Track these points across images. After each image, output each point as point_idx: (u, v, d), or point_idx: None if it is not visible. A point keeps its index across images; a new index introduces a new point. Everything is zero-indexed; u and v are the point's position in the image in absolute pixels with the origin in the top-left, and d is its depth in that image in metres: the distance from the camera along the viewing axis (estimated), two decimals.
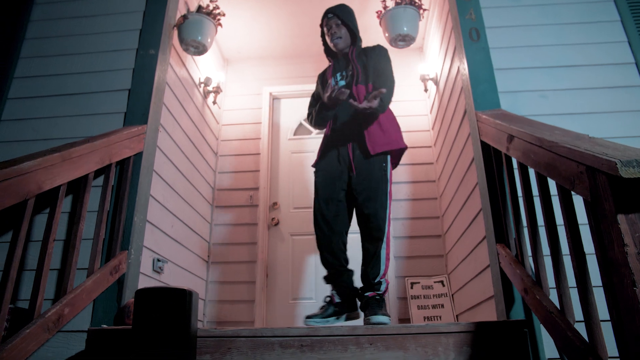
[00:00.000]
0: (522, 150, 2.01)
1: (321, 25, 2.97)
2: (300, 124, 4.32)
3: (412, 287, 3.47)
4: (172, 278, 3.06)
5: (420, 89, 4.08)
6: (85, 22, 3.17)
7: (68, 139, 2.81)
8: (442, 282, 3.45)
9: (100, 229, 2.41)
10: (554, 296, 1.86)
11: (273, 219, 3.93)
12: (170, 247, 3.09)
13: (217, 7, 3.22)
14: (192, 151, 3.52)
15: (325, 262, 2.62)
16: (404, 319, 3.43)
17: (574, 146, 1.57)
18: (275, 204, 3.99)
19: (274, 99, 4.40)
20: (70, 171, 2.16)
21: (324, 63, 4.07)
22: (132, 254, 2.55)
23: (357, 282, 2.64)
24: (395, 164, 2.81)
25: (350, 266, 2.68)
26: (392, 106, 4.05)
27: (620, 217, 1.33)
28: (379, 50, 2.84)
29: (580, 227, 1.64)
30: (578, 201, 1.59)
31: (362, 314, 2.56)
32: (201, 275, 3.62)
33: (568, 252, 1.70)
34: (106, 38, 3.10)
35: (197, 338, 2.00)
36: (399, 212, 3.79)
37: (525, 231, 2.16)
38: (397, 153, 2.79)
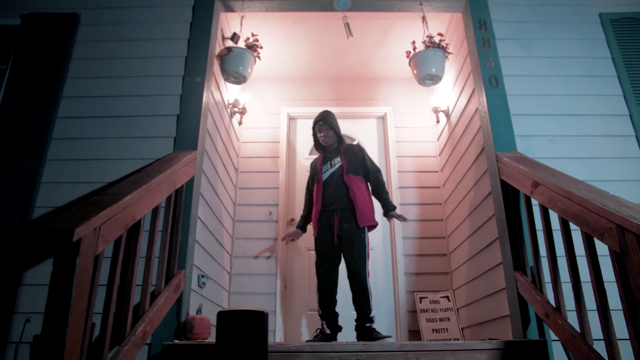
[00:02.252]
0: (547, 197, 2.36)
1: (313, 128, 3.74)
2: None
3: (420, 302, 3.82)
4: (208, 291, 3.29)
5: (428, 117, 4.44)
6: (130, 46, 3.34)
7: (118, 160, 3.02)
8: (447, 297, 3.82)
9: (165, 250, 2.62)
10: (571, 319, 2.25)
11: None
12: (208, 262, 3.31)
13: (256, 41, 3.45)
14: (222, 170, 3.74)
15: (322, 303, 3.36)
16: (414, 330, 3.79)
17: (603, 205, 1.93)
18: (292, 220, 4.25)
19: (291, 119, 4.65)
20: (150, 201, 2.36)
21: (339, 87, 4.43)
22: (187, 273, 2.78)
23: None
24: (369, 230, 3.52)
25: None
26: (402, 132, 4.41)
27: None
28: (364, 152, 3.67)
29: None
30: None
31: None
32: (225, 286, 3.85)
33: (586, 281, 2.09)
34: (152, 63, 3.28)
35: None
36: (408, 231, 4.14)
37: (544, 262, 2.54)
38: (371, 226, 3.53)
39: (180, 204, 2.83)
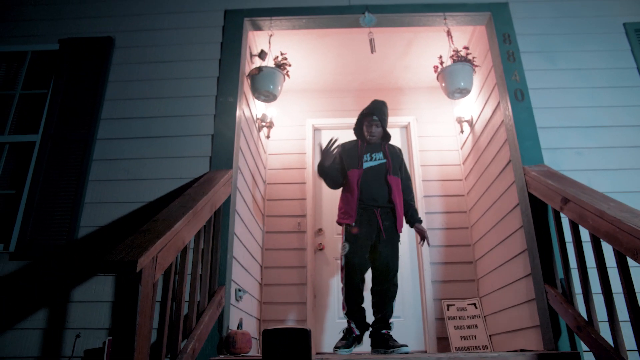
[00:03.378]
0: (578, 213, 2.43)
1: (362, 115, 3.52)
2: None
3: (448, 309, 3.91)
4: (245, 304, 3.40)
5: (451, 126, 4.52)
6: (163, 67, 3.45)
7: (155, 180, 3.14)
8: (474, 304, 3.90)
9: (207, 268, 2.74)
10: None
11: (320, 244, 4.30)
12: (243, 275, 3.42)
13: (285, 59, 3.54)
14: (252, 184, 3.85)
15: (350, 299, 3.18)
16: (442, 338, 3.87)
17: (636, 226, 1.99)
18: (320, 230, 4.35)
19: (315, 130, 4.75)
20: (197, 224, 2.47)
21: (362, 98, 4.51)
22: (226, 288, 2.89)
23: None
24: None
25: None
26: (425, 141, 4.49)
27: None
28: (402, 154, 3.58)
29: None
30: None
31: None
32: (257, 296, 3.97)
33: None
34: (185, 84, 3.39)
35: None
36: (435, 240, 4.21)
37: (574, 274, 2.61)
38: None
39: (218, 222, 2.95)
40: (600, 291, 2.28)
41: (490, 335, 3.73)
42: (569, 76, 3.37)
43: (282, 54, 3.58)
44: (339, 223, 3.40)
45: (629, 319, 2.07)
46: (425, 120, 4.66)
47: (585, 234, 2.41)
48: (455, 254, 4.19)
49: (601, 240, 2.28)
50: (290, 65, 3.59)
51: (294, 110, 4.77)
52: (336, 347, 3.09)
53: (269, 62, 3.67)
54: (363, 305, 3.22)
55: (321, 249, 4.29)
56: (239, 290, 3.21)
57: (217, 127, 3.23)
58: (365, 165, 3.37)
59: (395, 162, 3.44)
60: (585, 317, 2.45)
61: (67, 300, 2.86)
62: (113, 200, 3.10)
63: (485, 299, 3.87)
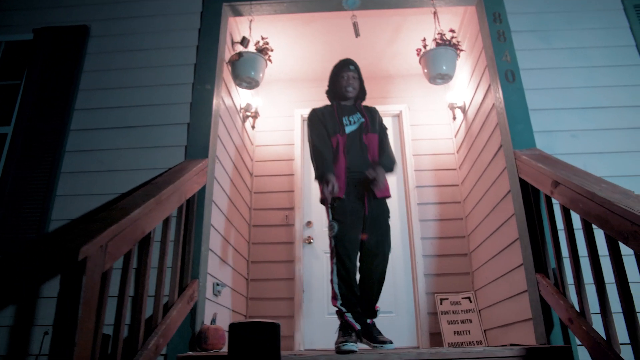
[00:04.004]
0: (569, 197, 2.26)
1: (337, 69, 3.22)
2: None
3: (441, 303, 3.74)
4: (225, 299, 3.27)
5: (444, 114, 4.33)
6: (139, 56, 3.33)
7: (131, 171, 3.02)
8: (469, 298, 3.73)
9: (177, 261, 2.61)
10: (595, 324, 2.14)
11: (308, 237, 4.15)
12: (223, 269, 3.30)
13: (267, 44, 3.41)
14: (235, 175, 3.72)
15: (345, 289, 2.75)
16: (435, 333, 3.71)
17: (627, 207, 1.82)
18: (309, 222, 4.21)
19: (304, 120, 4.60)
20: (161, 213, 2.34)
21: None
22: (200, 282, 2.76)
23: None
24: None
25: None
26: (418, 130, 4.32)
27: None
28: (378, 113, 3.23)
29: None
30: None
31: None
32: (243, 292, 3.84)
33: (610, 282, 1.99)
34: (162, 72, 3.27)
35: None
36: (428, 231, 4.05)
37: (566, 263, 2.44)
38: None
39: (192, 213, 2.82)
40: (594, 282, 2.12)
41: (485, 330, 3.56)
42: (564, 55, 3.19)
43: (263, 38, 3.44)
44: (323, 201, 2.95)
45: (620, 310, 1.92)
46: (418, 108, 4.49)
47: (577, 221, 2.24)
48: (449, 246, 4.02)
49: (593, 226, 2.11)
50: (272, 50, 3.46)
51: (282, 100, 4.63)
52: (341, 343, 2.55)
53: (252, 48, 3.53)
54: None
55: (310, 243, 4.14)
56: (217, 285, 3.08)
57: (194, 115, 3.11)
58: (348, 129, 3.03)
59: (372, 119, 3.11)
60: (578, 309, 2.29)
61: (36, 296, 2.75)
62: (86, 192, 2.99)
63: (480, 292, 3.70)
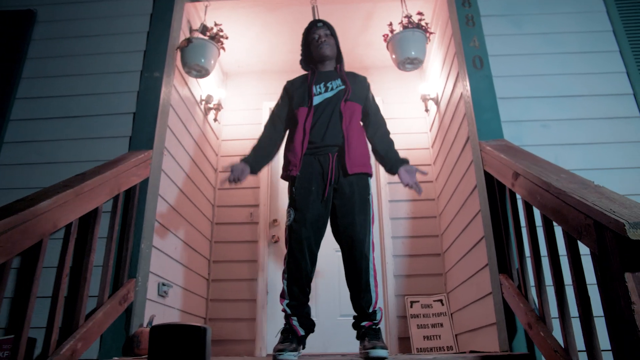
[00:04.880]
0: (527, 189, 2.05)
1: (306, 32, 2.85)
2: None
3: (411, 306, 3.52)
4: (175, 300, 3.08)
5: (420, 107, 4.11)
6: (88, 42, 3.16)
7: (73, 163, 2.84)
8: (441, 301, 3.51)
9: (109, 258, 2.42)
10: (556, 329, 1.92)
11: (273, 236, 3.95)
12: (174, 269, 3.11)
13: (220, 30, 3.22)
14: (194, 170, 3.53)
15: (293, 288, 2.41)
16: (404, 338, 3.49)
17: (581, 197, 1.61)
18: (275, 220, 4.00)
19: None
20: (82, 206, 2.16)
21: None
22: (139, 282, 2.57)
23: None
24: None
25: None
26: (392, 123, 4.10)
27: (628, 276, 1.38)
28: (368, 83, 2.79)
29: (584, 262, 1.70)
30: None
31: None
32: (202, 293, 3.64)
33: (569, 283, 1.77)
34: (110, 59, 3.09)
35: None
36: (399, 230, 3.83)
37: (528, 262, 2.22)
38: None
39: (132, 207, 2.63)
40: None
41: (456, 335, 3.34)
42: (537, 41, 2.97)
43: (216, 24, 3.25)
44: (284, 179, 2.64)
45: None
46: (392, 101, 4.26)
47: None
48: (421, 246, 3.80)
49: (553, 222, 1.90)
50: (227, 38, 3.26)
51: (250, 93, 4.42)
52: (277, 351, 2.21)
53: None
54: (310, 295, 2.46)
55: (276, 242, 3.93)
56: (164, 285, 2.89)
57: (140, 105, 2.92)
58: (318, 98, 2.60)
59: (357, 89, 2.67)
60: (539, 313, 2.07)
61: None
62: (24, 185, 2.80)
63: (452, 295, 3.48)
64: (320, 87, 2.64)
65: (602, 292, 1.52)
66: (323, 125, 2.53)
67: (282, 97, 2.78)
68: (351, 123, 2.55)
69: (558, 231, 1.88)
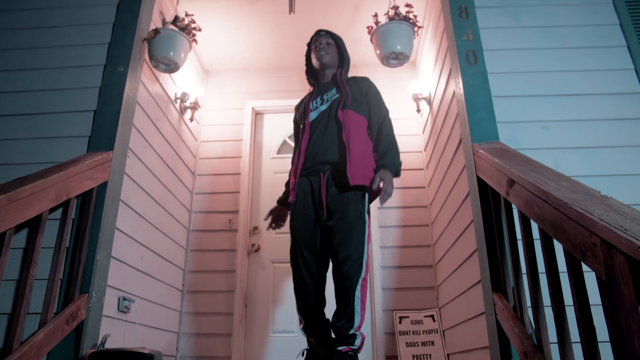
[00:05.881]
0: (524, 199, 1.80)
1: (309, 44, 2.77)
2: (285, 142, 4.06)
3: (400, 322, 3.26)
4: (141, 315, 2.82)
5: (413, 107, 3.85)
6: (48, 34, 2.91)
7: (26, 165, 2.60)
8: (432, 316, 3.24)
9: (56, 272, 2.16)
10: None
11: (253, 244, 3.68)
12: (139, 281, 2.85)
13: (193, 22, 2.97)
14: (166, 173, 3.27)
15: (303, 309, 2.37)
16: (392, 356, 3.21)
17: (585, 210, 1.35)
18: (255, 228, 3.74)
19: (257, 114, 4.15)
20: (18, 213, 1.90)
21: None
22: (93, 297, 2.31)
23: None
24: (370, 201, 2.56)
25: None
26: None
27: None
28: (372, 86, 2.64)
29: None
30: None
31: None
32: (174, 306, 3.37)
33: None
34: (71, 52, 2.84)
35: None
36: (388, 239, 3.57)
37: (524, 279, 1.96)
38: (372, 191, 2.48)
39: (87, 214, 2.37)
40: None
41: (448, 355, 3.07)
42: (536, 35, 2.71)
43: (187, 14, 3.00)
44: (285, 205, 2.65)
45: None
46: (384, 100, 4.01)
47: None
48: (412, 256, 3.53)
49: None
50: (199, 30, 3.01)
51: (233, 91, 4.16)
52: None
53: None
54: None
55: (256, 251, 3.67)
56: (125, 299, 2.63)
57: (101, 102, 2.67)
58: (314, 114, 2.51)
59: (356, 92, 2.52)
60: (535, 339, 1.81)
61: None
62: None
63: (444, 310, 3.21)
64: (316, 102, 2.56)
65: (610, 325, 1.26)
66: (318, 142, 2.42)
67: (294, 122, 2.72)
68: (352, 132, 2.40)
69: (559, 247, 1.62)
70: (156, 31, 2.80)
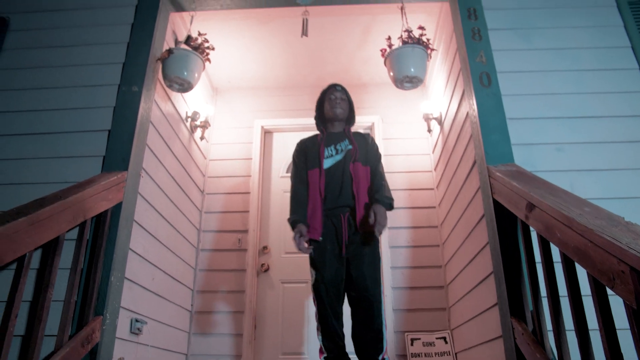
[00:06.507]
0: (544, 223, 1.79)
1: (323, 93, 2.96)
2: None
3: (412, 344, 3.22)
4: (151, 336, 2.79)
5: (422, 127, 3.86)
6: (62, 53, 2.93)
7: (38, 185, 2.59)
8: (444, 338, 3.21)
9: (72, 294, 2.14)
10: None
11: (263, 264, 3.66)
12: (150, 302, 2.82)
13: (206, 41, 2.98)
14: (176, 192, 3.27)
15: (329, 341, 2.51)
16: None
17: (612, 238, 1.35)
18: (265, 248, 3.73)
19: (266, 132, 4.16)
20: (38, 235, 1.88)
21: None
22: (107, 319, 2.29)
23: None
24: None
25: None
26: (392, 144, 3.85)
27: None
28: (374, 142, 2.92)
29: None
30: None
31: None
32: (183, 327, 3.34)
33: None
34: (85, 71, 2.86)
35: None
36: (398, 260, 3.55)
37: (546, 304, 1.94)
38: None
39: (102, 235, 2.36)
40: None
41: None
42: (549, 57, 2.73)
43: (200, 34, 3.01)
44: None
45: None
46: (392, 120, 4.02)
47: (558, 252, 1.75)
48: (423, 277, 3.51)
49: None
50: (213, 49, 3.02)
51: (241, 109, 4.18)
52: None
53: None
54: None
55: (266, 271, 3.65)
56: (137, 321, 2.60)
57: (116, 121, 2.67)
58: (329, 161, 2.73)
59: (362, 146, 2.79)
60: None
61: None
62: None
63: (457, 332, 3.18)
64: (330, 150, 2.78)
65: None
66: (335, 188, 2.66)
67: (299, 156, 2.86)
68: (360, 183, 2.66)
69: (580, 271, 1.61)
70: (170, 51, 2.81)
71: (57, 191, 2.20)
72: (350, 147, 2.75)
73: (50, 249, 2.06)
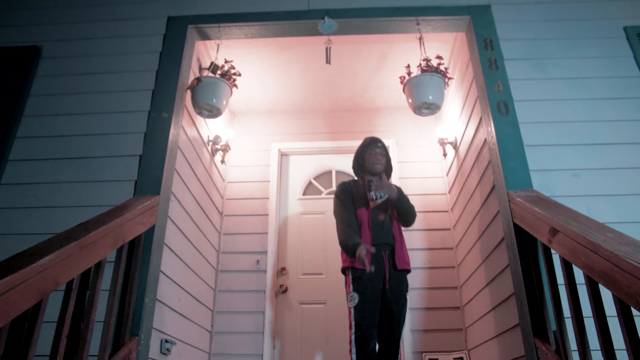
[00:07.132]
0: (568, 248, 1.87)
1: (363, 147, 3.19)
2: (310, 183, 4.18)
3: None
4: (178, 357, 2.84)
5: (436, 150, 3.98)
6: (93, 80, 3.03)
7: (72, 208, 2.67)
8: (462, 358, 3.28)
9: (111, 315, 2.21)
10: None
11: (281, 285, 3.74)
12: (176, 322, 2.88)
13: (232, 67, 3.10)
14: (199, 215, 3.35)
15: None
16: None
17: (638, 263, 1.44)
18: (283, 269, 3.80)
19: (283, 155, 4.26)
20: (85, 259, 1.96)
21: (336, 119, 4.12)
22: (142, 340, 2.35)
23: None
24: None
25: None
26: (406, 167, 3.96)
27: None
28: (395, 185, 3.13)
29: None
30: None
31: None
32: (204, 348, 3.39)
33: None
34: (115, 98, 2.96)
35: None
36: (415, 281, 3.62)
37: (568, 323, 2.02)
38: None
39: (136, 258, 2.44)
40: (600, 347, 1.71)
41: None
42: (563, 86, 2.85)
43: (227, 61, 3.13)
44: (345, 268, 2.91)
45: None
46: (407, 143, 4.14)
47: (581, 274, 1.84)
48: (439, 298, 3.58)
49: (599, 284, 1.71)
50: (239, 75, 3.14)
51: (259, 132, 4.29)
52: None
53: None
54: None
55: (284, 292, 3.72)
56: (167, 342, 2.66)
57: (147, 146, 2.76)
58: (373, 203, 3.00)
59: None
60: None
61: None
62: (18, 231, 2.63)
63: (474, 353, 3.24)
64: (373, 194, 2.98)
65: None
66: (379, 228, 2.92)
67: (344, 194, 3.06)
68: (398, 225, 3.00)
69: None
70: (199, 79, 2.92)
71: (98, 215, 2.28)
72: (388, 195, 2.97)
73: (93, 272, 2.13)
